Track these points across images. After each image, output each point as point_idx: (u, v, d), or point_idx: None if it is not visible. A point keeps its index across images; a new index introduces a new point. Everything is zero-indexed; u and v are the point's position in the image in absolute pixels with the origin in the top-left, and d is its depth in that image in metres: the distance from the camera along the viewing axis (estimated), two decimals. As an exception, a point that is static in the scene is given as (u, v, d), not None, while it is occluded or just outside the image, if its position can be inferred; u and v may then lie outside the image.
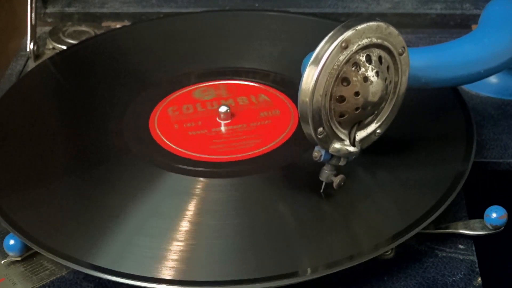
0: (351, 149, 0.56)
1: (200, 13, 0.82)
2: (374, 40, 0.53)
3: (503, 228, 0.57)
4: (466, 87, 0.74)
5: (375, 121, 0.57)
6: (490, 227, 0.57)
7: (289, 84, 0.69)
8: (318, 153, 0.56)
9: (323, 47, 0.52)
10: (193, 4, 0.86)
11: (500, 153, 0.66)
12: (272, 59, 0.73)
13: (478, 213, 0.58)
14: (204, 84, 0.70)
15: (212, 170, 0.61)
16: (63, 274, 0.56)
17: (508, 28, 0.64)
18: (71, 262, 0.53)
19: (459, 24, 0.83)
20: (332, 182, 0.56)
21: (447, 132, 0.64)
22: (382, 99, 0.55)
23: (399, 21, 0.83)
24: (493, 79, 0.72)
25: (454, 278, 0.55)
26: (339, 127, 0.55)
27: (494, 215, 0.57)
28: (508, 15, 0.65)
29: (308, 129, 0.54)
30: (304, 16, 0.79)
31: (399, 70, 0.56)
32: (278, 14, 0.79)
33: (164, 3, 0.86)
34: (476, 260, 0.56)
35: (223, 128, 0.65)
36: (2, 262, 0.57)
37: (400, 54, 0.55)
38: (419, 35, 0.82)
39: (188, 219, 0.56)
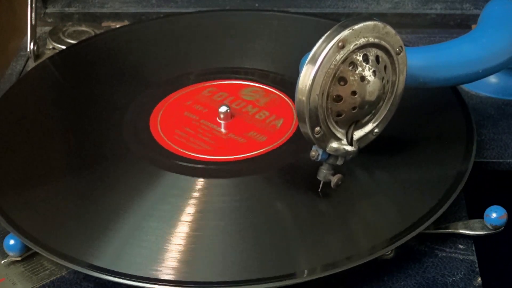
0: (349, 148, 0.56)
1: (200, 13, 0.82)
2: (371, 40, 0.53)
3: (503, 228, 0.57)
4: (466, 87, 0.74)
5: (373, 121, 0.57)
6: (490, 227, 0.57)
7: (288, 84, 0.69)
8: (315, 152, 0.56)
9: (320, 46, 0.52)
10: (193, 4, 0.86)
11: (500, 153, 0.66)
12: (272, 59, 0.73)
13: (478, 213, 0.58)
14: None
15: (212, 170, 0.61)
16: (63, 274, 0.56)
17: (506, 28, 0.63)
18: (71, 262, 0.53)
19: (459, 24, 0.83)
20: (330, 182, 0.56)
21: (447, 132, 0.64)
22: (379, 99, 0.55)
23: (399, 21, 0.83)
24: (493, 79, 0.72)
25: (454, 278, 0.55)
26: (336, 127, 0.55)
27: (494, 215, 0.57)
28: (507, 15, 0.64)
29: (305, 128, 0.54)
30: (304, 16, 0.79)
31: (397, 69, 0.56)
32: (278, 14, 0.78)
33: (164, 3, 0.86)
34: (476, 260, 0.56)
35: (223, 128, 0.65)
36: (2, 262, 0.57)
37: (398, 54, 0.55)
38: (419, 35, 0.82)
39: (187, 219, 0.56)
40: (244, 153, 0.62)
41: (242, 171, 0.60)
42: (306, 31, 0.76)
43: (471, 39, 0.63)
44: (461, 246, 0.57)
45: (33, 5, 0.78)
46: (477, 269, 0.56)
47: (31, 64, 0.78)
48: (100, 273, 0.53)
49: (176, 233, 0.55)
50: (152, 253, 0.54)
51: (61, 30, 0.82)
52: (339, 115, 0.55)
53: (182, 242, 0.55)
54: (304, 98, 0.53)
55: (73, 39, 0.80)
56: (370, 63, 0.54)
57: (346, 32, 0.52)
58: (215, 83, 0.71)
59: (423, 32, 0.83)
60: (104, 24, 0.85)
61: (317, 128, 0.54)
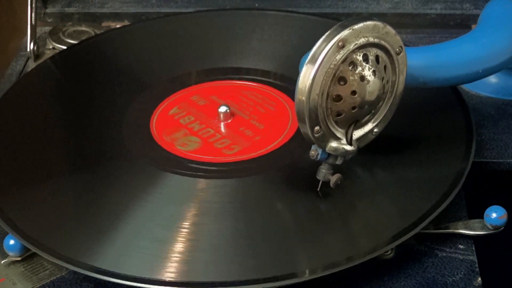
0: (348, 148, 0.56)
1: (199, 13, 0.82)
2: (371, 40, 0.53)
3: (503, 228, 0.57)
4: (466, 87, 0.74)
5: (372, 120, 0.57)
6: (490, 227, 0.57)
7: (288, 84, 0.69)
8: (315, 152, 0.56)
9: (319, 46, 0.52)
10: (193, 4, 0.86)
11: (500, 153, 0.66)
12: (272, 59, 0.73)
13: (478, 213, 0.58)
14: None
15: (212, 170, 0.61)
16: (63, 274, 0.56)
17: (506, 28, 0.63)
18: (71, 264, 0.53)
19: (459, 24, 0.83)
20: (329, 181, 0.56)
21: (447, 132, 0.64)
22: (379, 98, 0.55)
23: (399, 21, 0.83)
24: (493, 79, 0.72)
25: (454, 278, 0.55)
26: (336, 126, 0.55)
27: (494, 215, 0.57)
28: (507, 15, 0.64)
29: (305, 128, 0.54)
30: (304, 16, 0.79)
31: (397, 69, 0.56)
32: (278, 14, 0.78)
33: (164, 3, 0.86)
34: (476, 260, 0.56)
35: (223, 129, 0.65)
36: (2, 262, 0.57)
37: (398, 54, 0.55)
38: (419, 35, 0.82)
39: (187, 219, 0.56)
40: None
41: (242, 171, 0.60)
42: (306, 31, 0.75)
43: (471, 39, 0.63)
44: (461, 246, 0.57)
45: (33, 5, 0.78)
46: (477, 269, 0.56)
47: (31, 64, 0.78)
48: (100, 274, 0.53)
49: (176, 233, 0.55)
50: (152, 253, 0.54)
51: (61, 30, 0.82)
52: (338, 114, 0.55)
53: (182, 242, 0.55)
54: (303, 98, 0.53)
55: (73, 39, 0.80)
56: (370, 63, 0.54)
57: (346, 32, 0.52)
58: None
59: (423, 32, 0.83)
60: (104, 24, 0.85)
61: (317, 128, 0.54)
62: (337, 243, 0.55)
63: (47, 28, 0.84)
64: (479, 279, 0.55)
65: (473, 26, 0.82)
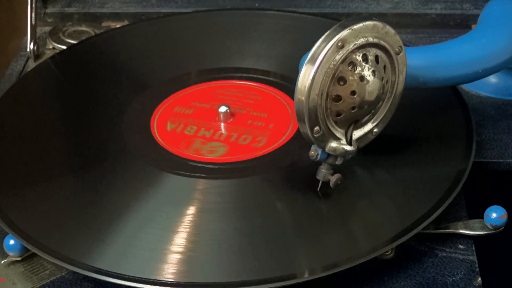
0: (348, 148, 0.56)
1: (199, 13, 0.82)
2: (371, 40, 0.53)
3: (503, 228, 0.57)
4: (466, 87, 0.74)
5: (372, 120, 0.57)
6: (490, 227, 0.57)
7: (288, 84, 0.69)
8: (314, 152, 0.56)
9: (319, 46, 0.52)
10: (193, 4, 0.86)
11: (500, 153, 0.66)
12: (272, 59, 0.73)
13: (478, 213, 0.58)
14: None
15: (212, 170, 0.61)
16: (63, 274, 0.56)
17: (507, 28, 0.63)
18: (70, 264, 0.53)
19: (459, 24, 0.83)
20: (328, 181, 0.56)
21: (447, 132, 0.64)
22: (379, 98, 0.55)
23: (399, 21, 0.83)
24: (493, 79, 0.72)
25: (454, 278, 0.55)
26: (336, 126, 0.55)
27: (494, 215, 0.57)
28: (507, 15, 0.64)
29: (305, 128, 0.54)
30: (304, 16, 0.79)
31: (396, 69, 0.56)
32: (278, 14, 0.78)
33: (164, 3, 0.86)
34: (476, 260, 0.56)
35: (223, 129, 0.65)
36: (2, 262, 0.57)
37: (397, 54, 0.55)
38: (419, 35, 0.82)
39: (187, 220, 0.56)
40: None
41: (242, 172, 0.60)
42: (306, 31, 0.75)
43: (471, 39, 0.63)
44: (461, 246, 0.57)
45: (33, 5, 0.78)
46: (477, 269, 0.56)
47: (31, 64, 0.78)
48: (100, 275, 0.53)
49: (176, 234, 0.55)
50: (152, 254, 0.54)
51: (61, 30, 0.82)
52: (338, 115, 0.55)
53: (182, 243, 0.55)
54: (303, 98, 0.53)
55: (73, 39, 0.80)
56: (370, 63, 0.54)
57: (345, 32, 0.52)
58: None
59: (423, 32, 0.83)
60: (104, 24, 0.85)
61: (316, 128, 0.54)
62: (337, 244, 0.55)
63: (47, 28, 0.84)
64: (479, 279, 0.55)
65: (473, 26, 0.82)
